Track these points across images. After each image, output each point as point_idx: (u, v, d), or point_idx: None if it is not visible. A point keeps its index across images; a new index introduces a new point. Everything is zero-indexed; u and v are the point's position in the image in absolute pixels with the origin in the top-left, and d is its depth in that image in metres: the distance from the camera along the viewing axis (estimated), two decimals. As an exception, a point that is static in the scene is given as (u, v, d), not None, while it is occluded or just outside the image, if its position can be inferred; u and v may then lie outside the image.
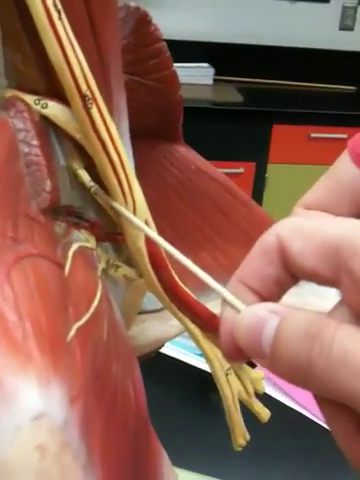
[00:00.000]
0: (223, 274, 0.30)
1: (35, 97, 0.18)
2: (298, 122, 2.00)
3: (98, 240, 0.22)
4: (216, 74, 2.22)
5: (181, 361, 0.62)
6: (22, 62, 0.18)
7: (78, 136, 0.18)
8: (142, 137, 0.24)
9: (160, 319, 0.28)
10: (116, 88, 0.20)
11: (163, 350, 0.62)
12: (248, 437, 0.28)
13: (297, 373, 0.17)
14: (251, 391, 0.29)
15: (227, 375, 0.26)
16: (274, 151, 2.04)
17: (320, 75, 2.33)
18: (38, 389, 0.13)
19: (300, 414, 0.62)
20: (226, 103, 2.05)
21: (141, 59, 0.23)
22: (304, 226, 0.18)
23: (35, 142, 0.17)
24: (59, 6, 0.16)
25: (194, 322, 0.24)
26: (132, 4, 0.22)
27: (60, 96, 0.18)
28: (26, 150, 0.17)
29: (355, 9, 2.35)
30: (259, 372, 0.28)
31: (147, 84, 0.23)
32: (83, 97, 0.17)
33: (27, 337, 0.13)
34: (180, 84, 0.25)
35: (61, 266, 0.17)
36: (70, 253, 0.18)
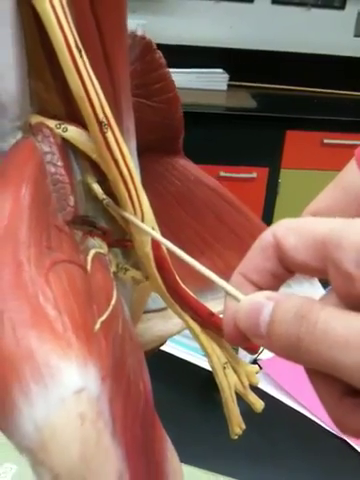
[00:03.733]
0: (221, 277, 0.33)
1: (56, 122, 0.21)
2: (311, 128, 2.01)
3: (109, 246, 0.25)
4: (230, 80, 2.24)
5: (188, 361, 0.65)
6: (45, 90, 0.20)
7: (94, 155, 0.21)
8: (146, 152, 0.27)
9: (163, 318, 0.30)
10: (126, 112, 0.23)
11: (172, 351, 0.65)
12: (243, 426, 0.31)
13: (289, 349, 0.19)
14: (246, 383, 0.32)
15: (224, 368, 0.29)
16: (287, 157, 2.05)
17: (334, 81, 2.34)
18: (78, 369, 0.16)
19: (299, 413, 0.64)
20: (240, 109, 2.07)
21: (147, 83, 0.26)
22: (297, 224, 0.21)
23: (60, 163, 0.20)
24: (80, 46, 0.19)
25: (194, 319, 0.27)
26: (139, 33, 0.25)
27: (78, 120, 0.21)
28: (52, 170, 0.20)
29: (370, 16, 2.37)
30: (254, 366, 0.31)
31: (152, 105, 0.26)
32: (100, 123, 0.20)
33: (66, 328, 0.16)
34: (181, 104, 0.28)
35: (85, 269, 0.20)
36: (89, 257, 0.21)
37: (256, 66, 2.34)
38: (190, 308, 0.26)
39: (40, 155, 0.19)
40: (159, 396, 0.28)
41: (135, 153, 0.24)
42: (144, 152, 0.25)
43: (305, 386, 0.69)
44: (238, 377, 0.29)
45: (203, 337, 0.28)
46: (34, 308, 0.17)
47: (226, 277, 0.31)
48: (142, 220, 0.23)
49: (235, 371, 0.29)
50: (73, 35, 0.18)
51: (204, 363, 0.53)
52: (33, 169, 0.18)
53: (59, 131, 0.20)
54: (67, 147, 0.21)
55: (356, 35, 2.40)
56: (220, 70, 2.28)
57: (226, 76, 2.24)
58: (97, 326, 0.19)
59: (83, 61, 0.19)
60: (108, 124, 0.20)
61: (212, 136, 2.01)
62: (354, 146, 2.16)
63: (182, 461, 0.29)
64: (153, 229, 0.24)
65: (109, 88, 0.21)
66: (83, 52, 0.19)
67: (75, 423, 0.15)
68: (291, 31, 2.36)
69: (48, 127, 0.20)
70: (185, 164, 0.31)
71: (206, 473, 0.52)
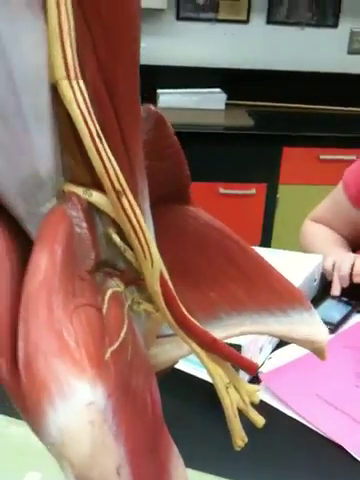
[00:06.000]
0: (227, 308, 0.37)
1: (83, 188, 0.25)
2: (308, 145, 2.07)
3: (126, 284, 0.30)
4: (228, 99, 2.30)
5: (195, 376, 0.70)
6: (74, 164, 0.25)
7: (113, 214, 0.26)
8: (160, 202, 0.32)
9: (174, 342, 0.35)
10: (139, 178, 0.27)
11: (181, 367, 0.70)
12: (246, 440, 0.35)
13: None
14: (247, 401, 0.36)
15: (227, 388, 0.33)
16: (285, 172, 2.10)
17: (329, 98, 2.40)
18: (89, 388, 0.21)
19: (297, 421, 0.68)
20: (238, 127, 2.12)
21: (158, 150, 0.30)
22: None
23: (84, 225, 0.24)
24: (100, 134, 0.23)
25: (199, 345, 0.32)
26: (152, 107, 0.30)
27: (100, 187, 0.25)
28: (78, 231, 0.24)
29: (363, 34, 2.43)
30: (254, 386, 0.36)
31: (162, 167, 0.31)
32: (117, 192, 0.25)
33: (82, 357, 0.21)
34: (187, 164, 0.32)
35: (101, 310, 0.25)
36: (106, 297, 0.26)
37: (253, 85, 2.40)
38: (195, 336, 0.31)
39: (69, 219, 0.24)
40: (168, 407, 0.32)
41: (148, 210, 0.29)
42: (158, 203, 0.30)
43: (301, 397, 0.74)
44: (240, 396, 0.34)
45: (207, 360, 0.32)
46: (60, 341, 0.22)
47: (233, 308, 0.36)
48: (151, 265, 0.28)
49: (237, 390, 0.34)
50: (95, 126, 0.23)
51: (209, 377, 0.58)
52: (63, 232, 0.23)
53: (85, 196, 0.25)
54: (92, 208, 0.26)
55: (349, 52, 2.46)
56: (218, 90, 2.34)
57: (224, 95, 2.30)
58: (107, 355, 0.24)
59: (103, 146, 0.23)
60: (123, 192, 0.25)
61: (211, 154, 2.06)
62: (350, 161, 2.22)
63: (188, 465, 0.33)
64: (161, 270, 0.29)
65: (125, 162, 0.25)
66: (103, 139, 0.23)
67: (86, 427, 0.21)
68: (286, 50, 2.42)
69: (76, 195, 0.24)
70: (195, 210, 0.35)
71: (211, 476, 0.57)
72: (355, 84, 2.45)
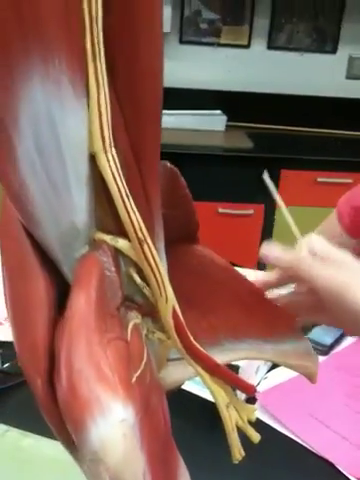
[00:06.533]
0: (228, 335, 0.42)
1: (110, 236, 0.30)
2: (305, 168, 2.11)
3: (142, 315, 0.35)
4: (228, 120, 2.34)
5: (198, 395, 0.74)
6: (104, 215, 0.30)
7: (134, 258, 0.31)
8: (175, 242, 0.37)
9: (180, 365, 0.39)
10: (157, 223, 0.32)
11: (185, 387, 0.74)
12: (243, 453, 0.39)
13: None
14: (245, 419, 0.41)
15: (227, 407, 0.38)
16: (282, 194, 2.12)
17: (327, 122, 2.45)
18: (122, 407, 0.25)
19: (290, 438, 0.72)
20: (237, 149, 2.17)
21: (172, 200, 0.35)
22: None
23: (113, 269, 0.29)
24: (128, 193, 0.28)
25: (204, 369, 0.36)
26: (168, 164, 0.35)
27: (125, 235, 0.30)
28: (108, 274, 0.29)
29: (361, 60, 2.49)
30: (251, 406, 0.40)
31: (176, 214, 0.36)
32: (139, 240, 0.29)
33: (116, 383, 0.26)
34: (196, 212, 0.37)
35: (127, 341, 0.29)
36: (129, 330, 0.30)
37: (252, 108, 2.44)
38: (201, 361, 0.35)
39: (101, 264, 0.29)
40: (174, 423, 0.37)
41: (163, 249, 0.33)
42: (171, 243, 0.35)
43: (295, 416, 0.78)
44: (238, 414, 0.39)
45: (210, 383, 0.37)
46: (98, 370, 0.26)
47: (234, 335, 0.41)
48: (166, 300, 0.33)
49: (236, 409, 0.38)
50: (124, 186, 0.28)
51: (211, 397, 0.63)
52: (97, 276, 0.28)
53: (113, 243, 0.30)
54: (117, 253, 0.30)
55: (347, 77, 2.51)
56: (219, 111, 2.39)
57: (224, 117, 2.34)
58: (133, 379, 0.29)
59: (130, 202, 0.28)
60: (144, 239, 0.29)
61: (211, 175, 2.10)
62: (346, 184, 2.24)
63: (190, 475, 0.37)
64: (174, 306, 0.34)
65: (147, 212, 0.30)
66: (130, 197, 0.28)
67: (120, 439, 0.26)
68: (286, 74, 2.47)
69: (105, 242, 0.29)
70: (202, 249, 0.40)
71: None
72: (352, 108, 2.51)
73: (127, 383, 0.26)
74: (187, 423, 0.70)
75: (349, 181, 2.08)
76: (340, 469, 0.68)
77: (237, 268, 1.02)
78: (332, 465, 0.68)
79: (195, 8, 2.35)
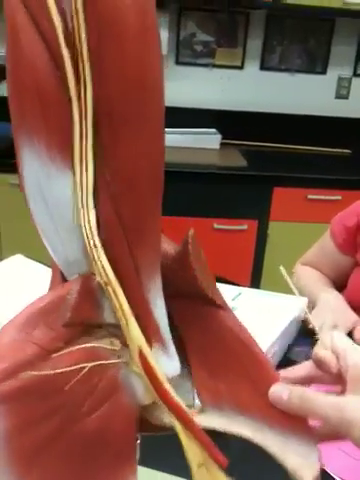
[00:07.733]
0: (231, 403, 0.42)
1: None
2: (296, 185, 2.17)
3: (124, 345, 0.39)
4: (223, 138, 2.42)
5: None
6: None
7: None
8: (194, 301, 0.42)
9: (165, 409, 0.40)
10: (145, 274, 0.38)
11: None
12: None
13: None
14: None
15: (199, 467, 0.39)
16: (275, 210, 2.19)
17: (317, 140, 2.52)
18: None
19: None
20: (231, 168, 2.24)
21: (181, 276, 0.41)
22: None
23: (75, 295, 0.37)
24: (96, 243, 0.36)
25: (176, 418, 0.38)
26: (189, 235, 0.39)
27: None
28: (68, 297, 0.37)
29: (349, 80, 2.56)
30: (223, 476, 0.40)
31: (185, 285, 0.41)
32: (104, 282, 0.37)
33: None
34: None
35: (46, 349, 0.36)
36: (77, 347, 0.37)
37: (246, 126, 2.52)
38: (172, 407, 0.38)
39: (68, 289, 0.37)
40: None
41: (158, 295, 0.39)
42: (194, 301, 0.41)
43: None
44: (210, 478, 0.39)
45: (182, 435, 0.39)
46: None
47: (237, 406, 0.41)
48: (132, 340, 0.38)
49: (208, 472, 0.39)
50: (93, 239, 0.36)
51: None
52: (59, 294, 0.37)
53: (98, 279, 0.38)
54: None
55: (337, 97, 2.59)
56: (213, 130, 2.47)
57: (219, 136, 2.42)
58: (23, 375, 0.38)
59: (97, 254, 0.36)
60: (109, 283, 0.37)
61: (206, 191, 2.17)
62: (335, 201, 2.30)
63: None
64: (140, 347, 0.38)
65: (127, 259, 0.37)
66: (98, 248, 0.36)
67: None
68: (278, 94, 2.55)
69: (91, 278, 0.37)
70: (224, 314, 0.42)
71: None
72: (342, 127, 2.58)
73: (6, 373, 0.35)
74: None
75: (338, 198, 2.15)
76: (329, 472, 0.71)
77: (233, 286, 1.06)
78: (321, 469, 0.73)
79: (191, 31, 2.44)
